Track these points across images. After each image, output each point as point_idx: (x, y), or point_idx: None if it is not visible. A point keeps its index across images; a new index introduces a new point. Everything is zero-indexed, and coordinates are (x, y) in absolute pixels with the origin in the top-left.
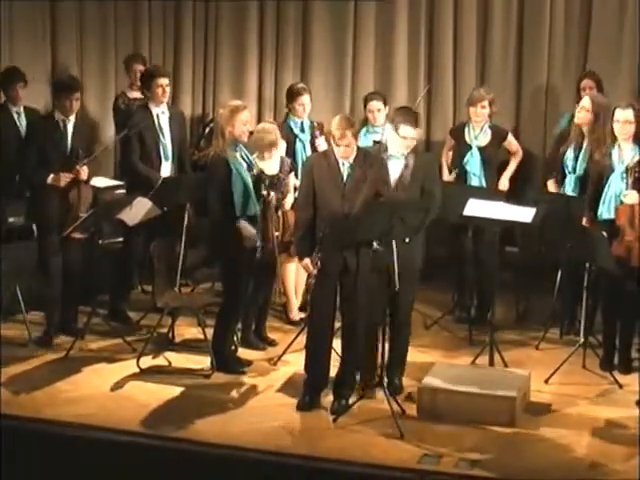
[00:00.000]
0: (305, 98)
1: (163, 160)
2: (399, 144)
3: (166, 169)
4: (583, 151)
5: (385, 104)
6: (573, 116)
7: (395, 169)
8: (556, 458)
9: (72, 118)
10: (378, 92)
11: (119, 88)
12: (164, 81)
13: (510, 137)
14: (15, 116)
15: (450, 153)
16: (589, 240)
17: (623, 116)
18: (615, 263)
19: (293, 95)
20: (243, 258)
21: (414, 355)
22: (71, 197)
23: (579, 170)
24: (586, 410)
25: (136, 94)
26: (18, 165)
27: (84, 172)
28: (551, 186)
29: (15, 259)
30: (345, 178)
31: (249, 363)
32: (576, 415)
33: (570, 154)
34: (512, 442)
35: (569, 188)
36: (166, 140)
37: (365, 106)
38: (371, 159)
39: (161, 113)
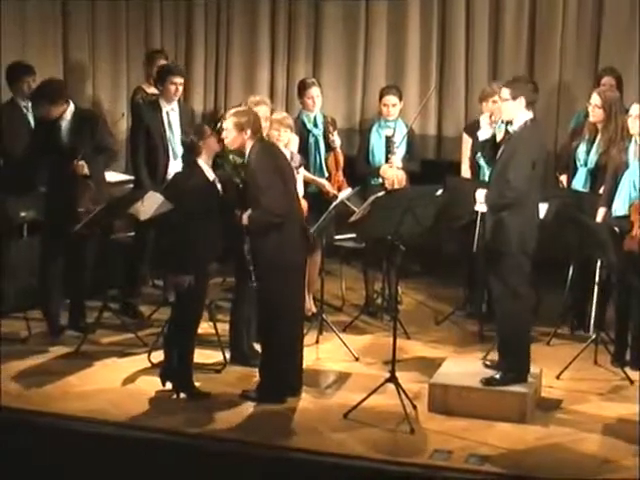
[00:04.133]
0: (314, 91)
1: (171, 157)
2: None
3: (175, 166)
4: (596, 145)
5: (400, 99)
6: (587, 112)
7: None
8: (567, 454)
9: (66, 116)
10: (395, 86)
11: (131, 83)
12: (178, 80)
13: None
14: (24, 110)
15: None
16: (601, 236)
17: (636, 110)
18: (627, 259)
19: (302, 89)
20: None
21: (425, 351)
22: (71, 194)
23: (590, 163)
24: (597, 406)
25: (154, 89)
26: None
27: (81, 167)
28: (564, 181)
29: (24, 254)
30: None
31: None
32: (587, 411)
33: (582, 148)
34: (523, 438)
35: (580, 182)
36: (175, 137)
37: (380, 99)
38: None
39: (171, 110)
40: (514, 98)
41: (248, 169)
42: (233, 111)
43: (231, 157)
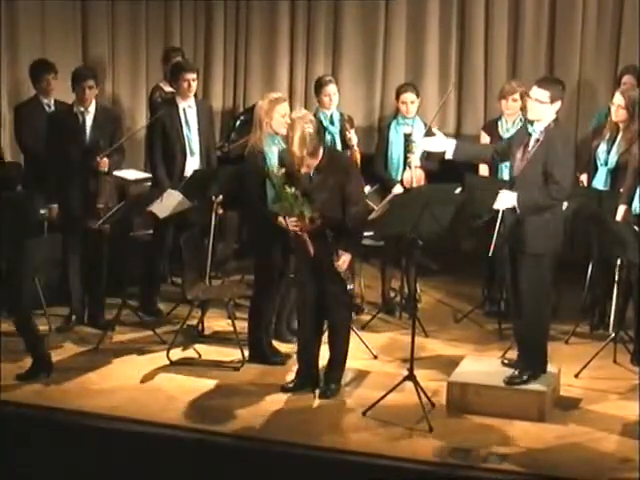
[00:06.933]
0: (331, 88)
1: (189, 155)
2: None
3: (193, 163)
4: (617, 144)
5: (417, 96)
6: (609, 110)
7: (532, 143)
8: (586, 453)
9: (91, 109)
10: (411, 84)
11: (150, 81)
12: (190, 76)
13: None
14: (46, 108)
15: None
16: (620, 234)
17: None
18: None
19: (319, 86)
20: (276, 251)
21: (444, 349)
22: (91, 189)
23: (611, 163)
24: (616, 405)
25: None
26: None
27: (104, 164)
28: (584, 180)
29: (44, 252)
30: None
31: (288, 356)
32: (606, 410)
33: (603, 147)
34: (542, 437)
35: (601, 181)
36: (192, 134)
37: (397, 97)
38: (337, 160)
39: (188, 107)
40: (552, 102)
41: (347, 174)
42: (303, 116)
43: (289, 190)
